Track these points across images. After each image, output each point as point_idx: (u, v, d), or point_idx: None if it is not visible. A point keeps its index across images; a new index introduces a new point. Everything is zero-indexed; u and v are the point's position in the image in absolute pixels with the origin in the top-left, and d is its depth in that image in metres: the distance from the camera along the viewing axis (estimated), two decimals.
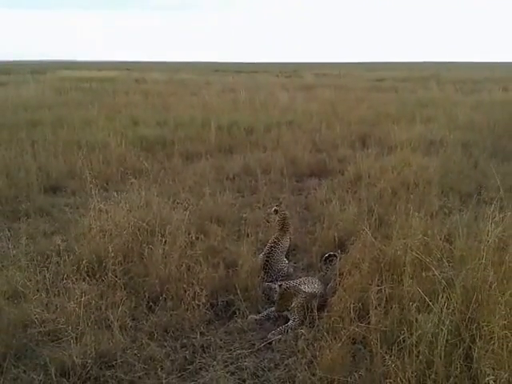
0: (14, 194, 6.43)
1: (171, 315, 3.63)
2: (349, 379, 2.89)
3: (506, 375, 2.46)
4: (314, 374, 2.94)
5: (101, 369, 3.07)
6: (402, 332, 2.91)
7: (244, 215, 5.93)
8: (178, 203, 5.58)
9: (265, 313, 3.75)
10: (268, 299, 4.00)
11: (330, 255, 4.37)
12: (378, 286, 3.40)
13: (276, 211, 4.91)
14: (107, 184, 7.02)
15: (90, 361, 3.03)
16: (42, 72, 33.58)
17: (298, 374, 2.97)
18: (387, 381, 2.70)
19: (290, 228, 4.84)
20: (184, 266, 4.04)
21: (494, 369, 2.53)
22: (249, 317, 3.69)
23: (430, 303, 3.00)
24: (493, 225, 3.32)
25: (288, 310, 3.65)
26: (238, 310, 3.76)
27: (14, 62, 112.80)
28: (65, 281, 3.77)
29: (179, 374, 3.09)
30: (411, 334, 2.83)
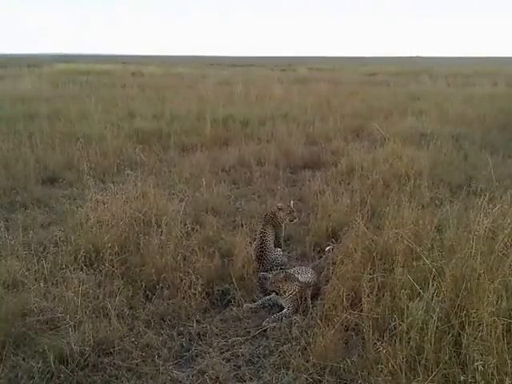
0: (12, 186, 6.44)
1: (168, 304, 3.67)
2: (341, 365, 2.95)
3: (494, 361, 2.48)
4: (307, 361, 3.00)
5: (99, 356, 3.10)
6: (394, 319, 2.96)
7: (239, 206, 6.00)
8: (174, 194, 5.63)
9: (260, 301, 3.80)
10: (263, 288, 4.05)
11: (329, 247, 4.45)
12: (370, 274, 3.43)
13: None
14: (104, 175, 7.04)
15: (88, 348, 3.06)
16: (39, 65, 33.27)
17: (292, 361, 3.02)
18: (379, 366, 2.75)
19: (276, 220, 4.71)
20: (180, 255, 4.08)
21: (482, 354, 2.55)
22: (244, 305, 3.74)
23: (421, 291, 3.04)
24: (482, 215, 3.36)
25: (278, 294, 3.69)
26: (234, 298, 3.80)
27: (10, 55, 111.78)
28: (63, 270, 3.80)
29: (176, 361, 3.14)
30: (402, 321, 2.86)
